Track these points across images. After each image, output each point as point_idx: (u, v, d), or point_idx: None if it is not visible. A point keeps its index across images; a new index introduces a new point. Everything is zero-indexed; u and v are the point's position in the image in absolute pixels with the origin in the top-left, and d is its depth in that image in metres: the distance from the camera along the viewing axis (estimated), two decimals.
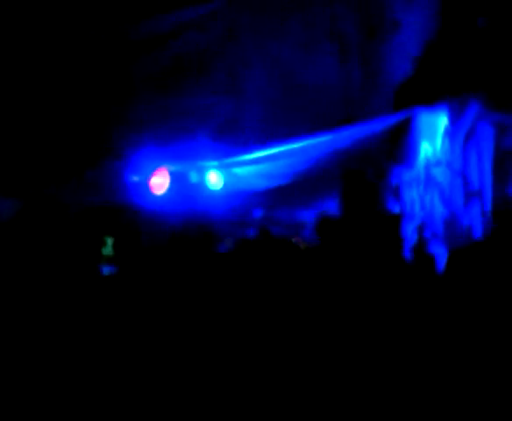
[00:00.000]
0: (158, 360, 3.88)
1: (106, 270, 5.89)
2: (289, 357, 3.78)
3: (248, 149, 8.43)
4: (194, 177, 8.53)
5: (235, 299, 4.24)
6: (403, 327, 4.15)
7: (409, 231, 8.61)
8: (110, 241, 7.00)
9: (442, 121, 8.67)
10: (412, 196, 8.87)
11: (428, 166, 8.77)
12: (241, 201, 8.91)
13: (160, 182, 8.39)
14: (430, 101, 8.62)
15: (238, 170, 8.62)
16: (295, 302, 4.22)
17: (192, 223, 7.62)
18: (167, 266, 4.90)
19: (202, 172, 8.56)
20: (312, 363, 3.76)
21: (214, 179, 8.62)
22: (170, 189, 8.40)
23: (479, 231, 8.40)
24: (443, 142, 8.67)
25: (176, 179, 8.41)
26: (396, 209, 8.89)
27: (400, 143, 8.89)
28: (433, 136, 8.73)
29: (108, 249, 6.86)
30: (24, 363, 3.73)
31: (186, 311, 4.18)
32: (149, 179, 8.34)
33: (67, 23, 8.27)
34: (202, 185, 8.55)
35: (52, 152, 8.47)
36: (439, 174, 8.71)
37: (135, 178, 8.28)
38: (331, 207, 9.26)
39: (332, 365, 3.79)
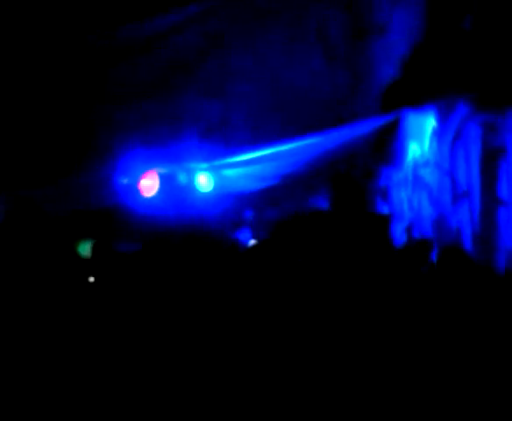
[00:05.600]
0: (142, 364, 3.87)
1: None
2: (285, 355, 3.80)
3: (237, 151, 8.45)
4: (183, 179, 8.51)
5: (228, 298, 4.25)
6: (393, 325, 4.17)
7: (398, 232, 8.63)
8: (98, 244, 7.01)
9: (430, 122, 8.70)
10: (400, 196, 8.89)
11: (416, 167, 8.79)
12: (231, 202, 8.91)
13: (149, 185, 8.38)
14: (418, 102, 8.65)
15: (228, 172, 8.62)
16: (289, 301, 4.23)
17: (182, 225, 7.63)
18: (163, 266, 4.90)
19: (191, 174, 8.55)
20: (308, 361, 3.77)
21: (203, 181, 8.61)
22: (160, 192, 8.38)
23: (467, 232, 8.43)
24: (431, 143, 8.69)
25: (166, 181, 8.40)
26: (385, 210, 8.91)
27: (388, 144, 8.91)
28: (421, 137, 8.76)
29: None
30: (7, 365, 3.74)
31: (181, 311, 4.18)
32: (138, 181, 8.32)
33: (53, 26, 8.27)
34: (191, 187, 8.54)
35: (40, 155, 8.47)
36: (427, 174, 8.73)
37: (124, 181, 8.26)
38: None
39: (326, 364, 3.80)
